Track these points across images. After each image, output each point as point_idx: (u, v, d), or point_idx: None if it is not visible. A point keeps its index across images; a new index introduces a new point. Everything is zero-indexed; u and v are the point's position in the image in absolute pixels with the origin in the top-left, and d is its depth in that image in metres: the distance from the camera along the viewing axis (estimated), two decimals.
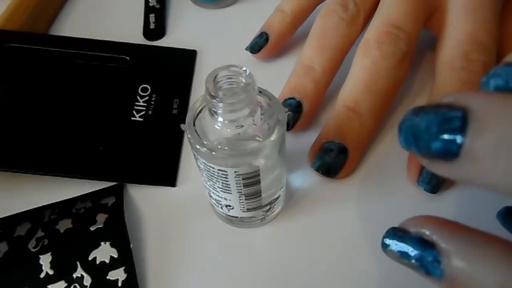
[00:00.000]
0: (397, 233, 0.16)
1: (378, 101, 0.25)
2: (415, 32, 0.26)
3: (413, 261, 0.15)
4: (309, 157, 0.26)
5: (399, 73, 0.25)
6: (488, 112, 0.12)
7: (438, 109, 0.13)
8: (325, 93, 0.27)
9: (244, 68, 0.18)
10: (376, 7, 0.27)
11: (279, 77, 0.28)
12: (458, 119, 0.12)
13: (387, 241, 0.16)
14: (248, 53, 0.32)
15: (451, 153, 0.12)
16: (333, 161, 0.24)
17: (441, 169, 0.13)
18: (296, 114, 0.26)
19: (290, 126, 0.26)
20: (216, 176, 0.19)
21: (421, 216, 0.15)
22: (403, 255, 0.15)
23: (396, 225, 0.16)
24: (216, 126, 0.19)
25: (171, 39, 0.34)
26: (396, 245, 0.15)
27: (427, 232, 0.15)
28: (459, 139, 0.12)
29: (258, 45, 0.31)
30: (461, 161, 0.12)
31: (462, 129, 0.12)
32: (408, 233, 0.15)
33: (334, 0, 0.28)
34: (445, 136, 0.12)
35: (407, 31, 0.25)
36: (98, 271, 0.22)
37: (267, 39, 0.30)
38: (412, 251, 0.15)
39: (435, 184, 0.24)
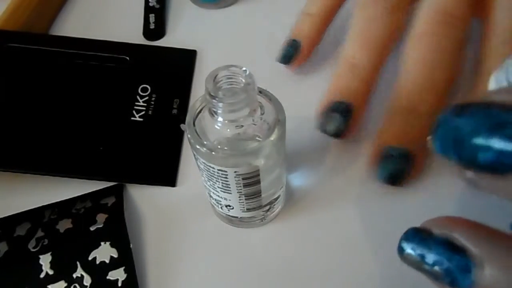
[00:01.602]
0: (418, 234, 0.13)
1: (438, 99, 0.23)
2: (468, 18, 0.24)
3: (436, 268, 0.13)
4: (370, 166, 0.24)
5: (458, 65, 0.23)
6: None
7: (488, 109, 0.10)
8: (374, 91, 0.25)
9: (244, 68, 0.18)
10: None
11: (279, 77, 0.28)
12: None
13: (405, 243, 0.14)
14: (248, 53, 0.32)
15: (504, 166, 0.10)
16: (397, 168, 0.23)
17: (488, 184, 0.11)
18: (346, 119, 0.24)
19: (341, 132, 0.24)
20: (216, 176, 0.19)
21: (446, 216, 0.14)
22: (425, 261, 0.13)
23: (397, 225, 0.16)
24: (216, 126, 0.19)
25: (171, 39, 0.34)
26: (416, 249, 0.13)
27: (456, 235, 0.13)
28: None
29: (290, 55, 0.28)
30: None
31: None
32: (432, 235, 0.13)
33: None
34: (498, 145, 0.10)
35: (461, 18, 0.23)
36: (98, 271, 0.22)
37: (298, 47, 0.28)
38: (436, 256, 0.13)
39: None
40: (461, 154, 0.11)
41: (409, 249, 0.14)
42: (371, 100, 0.26)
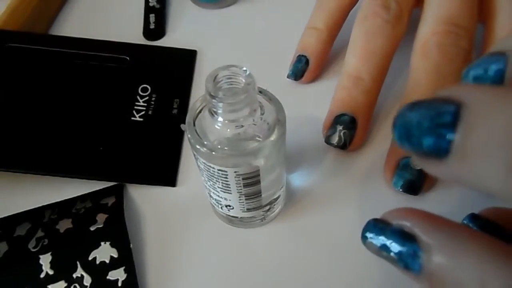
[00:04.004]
0: (378, 225, 0.15)
1: None
2: (474, 28, 0.24)
3: (392, 254, 0.14)
4: (386, 175, 0.25)
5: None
6: (482, 106, 0.11)
7: (432, 103, 0.12)
8: (376, 103, 0.26)
9: (244, 68, 0.18)
10: (417, 2, 0.25)
11: (279, 77, 0.28)
12: (450, 113, 0.11)
13: (367, 233, 0.15)
14: (248, 53, 0.32)
15: (442, 150, 0.11)
16: (415, 176, 0.23)
17: (433, 168, 0.12)
18: (351, 131, 0.25)
19: (347, 144, 0.25)
20: (216, 176, 0.19)
21: (403, 208, 0.15)
22: (383, 248, 0.14)
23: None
24: (216, 126, 0.19)
25: (171, 39, 0.34)
26: (376, 238, 0.15)
27: (408, 225, 0.14)
28: (450, 135, 0.11)
29: (300, 70, 0.29)
30: (452, 159, 0.11)
31: (453, 125, 0.11)
32: (389, 225, 0.15)
33: (373, 2, 0.25)
34: (436, 132, 0.11)
35: (467, 27, 0.23)
36: (98, 271, 0.22)
37: (307, 62, 0.29)
38: (391, 244, 0.14)
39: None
40: (411, 141, 0.12)
41: (370, 238, 0.15)
42: (374, 111, 0.26)
